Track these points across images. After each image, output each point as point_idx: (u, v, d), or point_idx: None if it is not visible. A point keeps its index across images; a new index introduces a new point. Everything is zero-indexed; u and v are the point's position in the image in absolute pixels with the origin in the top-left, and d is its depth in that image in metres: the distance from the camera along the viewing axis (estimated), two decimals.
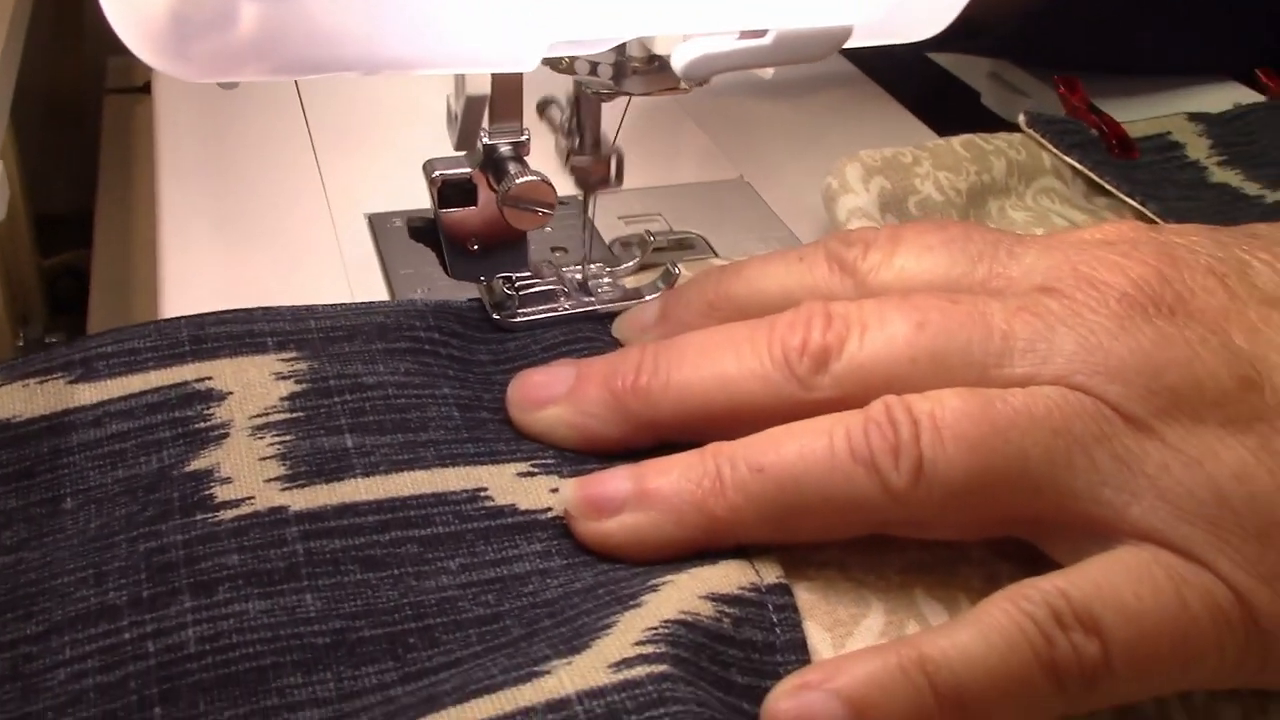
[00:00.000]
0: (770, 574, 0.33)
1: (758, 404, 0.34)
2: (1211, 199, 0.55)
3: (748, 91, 0.63)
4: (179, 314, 0.43)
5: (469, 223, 0.41)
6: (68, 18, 0.89)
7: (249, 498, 0.33)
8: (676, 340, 0.37)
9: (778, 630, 0.31)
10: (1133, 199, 0.52)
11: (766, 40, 0.35)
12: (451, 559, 0.33)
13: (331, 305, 0.40)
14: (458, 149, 0.40)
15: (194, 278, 0.46)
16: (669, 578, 0.32)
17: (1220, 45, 0.65)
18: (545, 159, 0.41)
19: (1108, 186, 0.52)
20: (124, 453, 0.35)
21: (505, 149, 0.40)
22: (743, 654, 0.31)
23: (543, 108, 0.43)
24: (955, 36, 0.63)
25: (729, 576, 0.32)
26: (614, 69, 0.39)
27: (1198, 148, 0.58)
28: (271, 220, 0.50)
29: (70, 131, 0.90)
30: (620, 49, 0.38)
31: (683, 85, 0.39)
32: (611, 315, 0.42)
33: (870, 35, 0.38)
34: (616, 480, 0.33)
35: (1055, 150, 0.53)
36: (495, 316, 0.42)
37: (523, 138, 0.40)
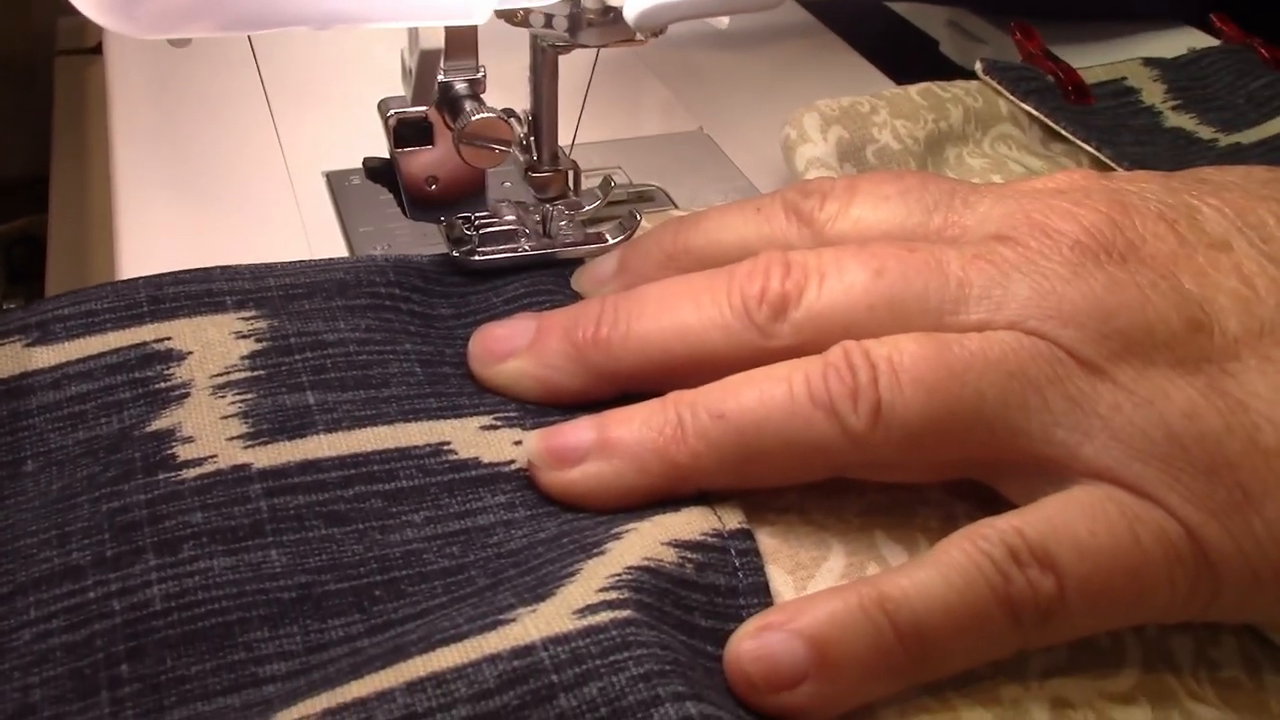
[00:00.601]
0: (732, 520, 0.33)
1: (717, 353, 0.34)
2: (1166, 144, 0.55)
3: (707, 43, 0.63)
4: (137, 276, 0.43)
5: (426, 162, 0.41)
6: None
7: (211, 456, 0.33)
8: (636, 291, 0.37)
9: (740, 574, 0.32)
10: (1088, 144, 0.52)
11: None
12: (416, 512, 0.33)
13: (291, 263, 0.40)
14: (413, 104, 0.39)
15: (151, 240, 0.45)
16: (632, 525, 0.32)
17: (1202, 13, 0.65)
18: (499, 93, 0.41)
19: (1063, 133, 0.53)
20: (84, 414, 0.34)
21: (461, 86, 0.40)
22: (705, 598, 0.31)
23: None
24: None
25: (691, 523, 0.32)
26: (569, 21, 0.39)
27: (1153, 93, 0.58)
28: (229, 180, 0.49)
29: (22, 95, 0.88)
30: (575, 0, 0.38)
31: (639, 36, 0.39)
32: (572, 260, 0.42)
33: None
34: (579, 430, 0.34)
35: (1011, 97, 0.54)
36: (455, 254, 0.42)
37: (478, 75, 0.40)
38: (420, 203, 0.42)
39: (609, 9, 0.38)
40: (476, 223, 0.42)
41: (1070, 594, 0.30)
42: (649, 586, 0.30)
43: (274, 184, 0.49)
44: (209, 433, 0.34)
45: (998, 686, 0.31)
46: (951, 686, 0.30)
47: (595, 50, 0.41)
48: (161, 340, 0.36)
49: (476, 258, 0.42)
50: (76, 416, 0.34)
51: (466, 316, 0.40)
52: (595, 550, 0.31)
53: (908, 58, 0.65)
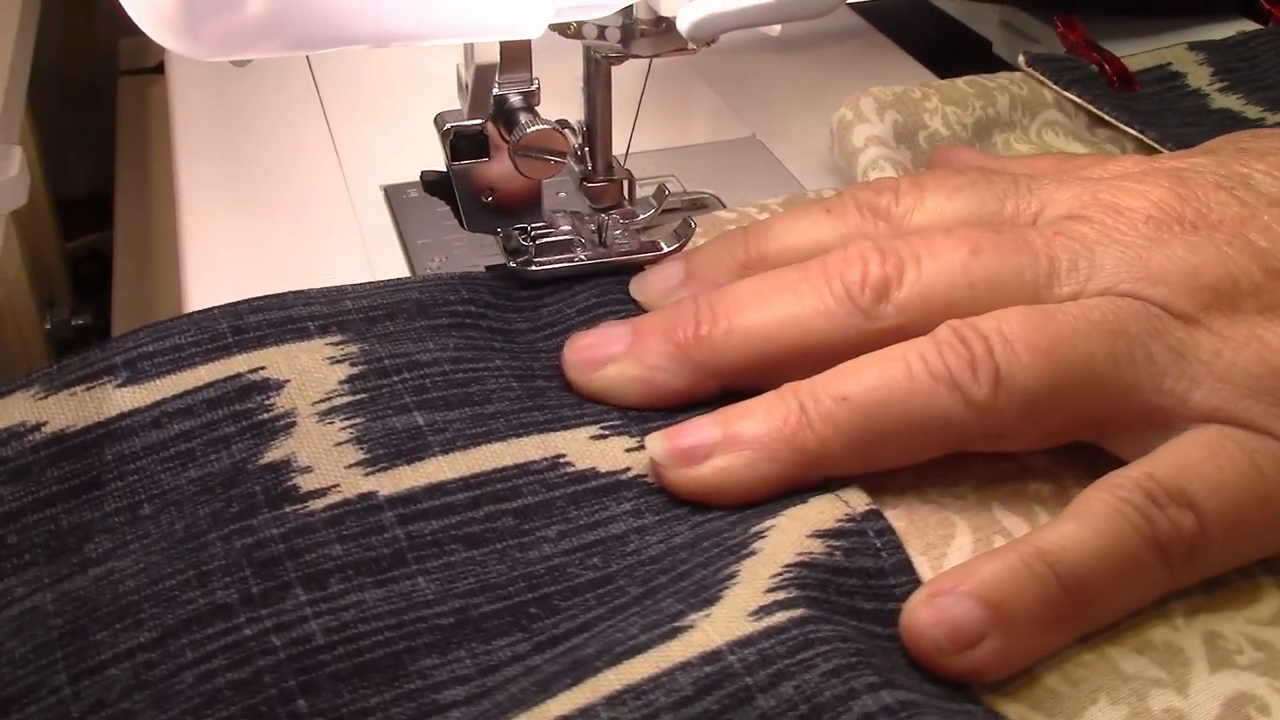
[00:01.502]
0: (860, 502, 0.34)
1: (823, 340, 0.35)
2: (1212, 125, 0.55)
3: (757, 49, 0.63)
4: (202, 291, 0.44)
5: (483, 174, 0.42)
6: (77, 2, 0.89)
7: (334, 485, 0.33)
8: (729, 288, 0.37)
9: (883, 554, 0.32)
10: (1132, 128, 0.52)
11: None
12: (548, 527, 0.33)
13: (362, 285, 0.40)
14: (469, 118, 0.40)
15: (215, 256, 0.46)
16: (769, 522, 0.32)
17: None
18: (554, 104, 0.41)
19: (1108, 118, 0.53)
20: (192, 452, 0.34)
21: (516, 99, 0.40)
22: (860, 582, 0.32)
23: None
24: None
25: (824, 512, 0.33)
26: (622, 32, 0.39)
27: (1199, 76, 0.58)
28: (289, 195, 0.50)
29: (86, 115, 0.90)
30: (627, 12, 0.38)
31: (690, 45, 0.40)
32: (629, 269, 0.43)
33: None
34: (702, 428, 0.34)
35: (1055, 87, 0.54)
36: (512, 265, 0.42)
37: (532, 87, 0.40)
38: (477, 215, 0.42)
39: (661, 19, 0.39)
40: (533, 233, 0.43)
41: (1210, 528, 0.31)
42: (811, 580, 0.30)
43: (333, 198, 0.50)
44: (326, 461, 0.33)
45: (1147, 632, 0.32)
46: (1104, 638, 0.31)
47: (648, 60, 0.41)
48: (255, 370, 0.36)
49: (533, 268, 0.42)
50: (185, 455, 0.34)
51: (543, 329, 0.41)
52: (743, 552, 0.31)
53: (960, 58, 0.65)
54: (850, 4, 0.67)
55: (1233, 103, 0.56)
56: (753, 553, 0.31)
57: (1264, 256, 0.34)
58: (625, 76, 0.43)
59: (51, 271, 0.76)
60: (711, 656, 0.28)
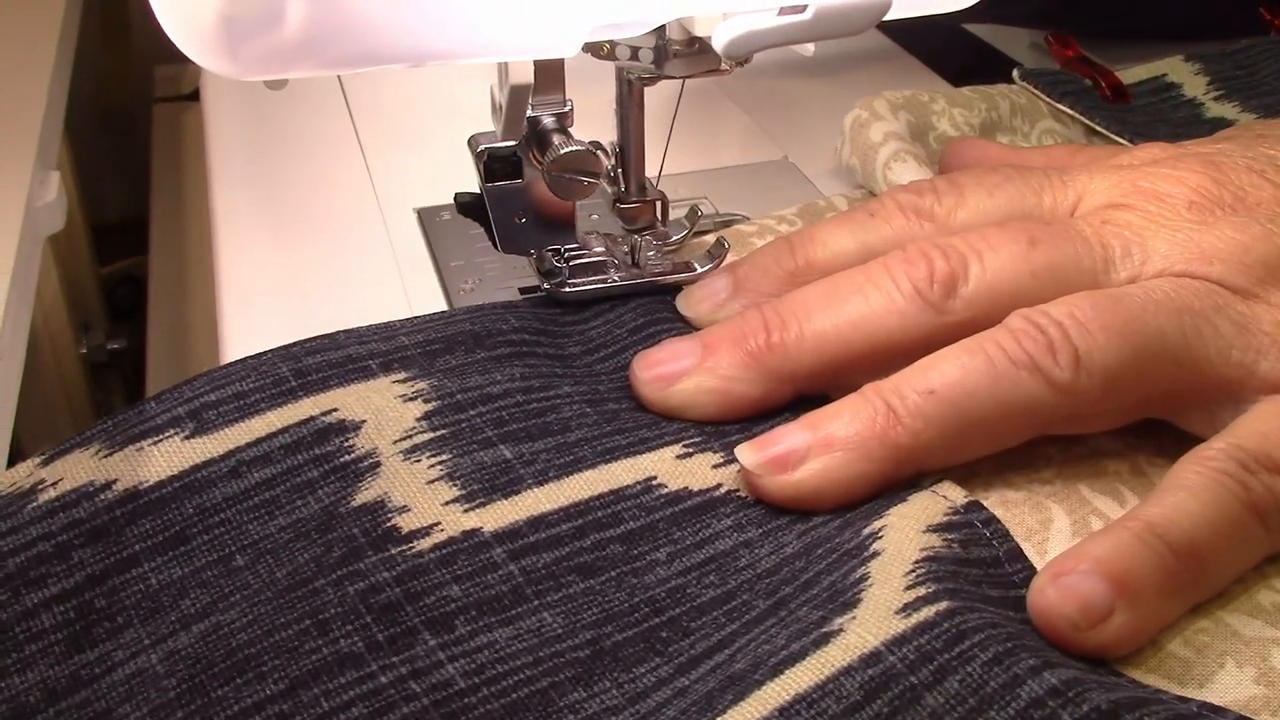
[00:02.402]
0: (958, 496, 0.34)
1: (894, 339, 0.36)
2: (1205, 133, 0.55)
3: (789, 71, 0.63)
4: (237, 314, 0.45)
5: (516, 196, 0.42)
6: (114, 29, 0.90)
7: (436, 524, 0.33)
8: (793, 295, 0.38)
9: (995, 543, 0.33)
10: (1122, 138, 0.53)
11: (807, 15, 0.35)
12: (657, 550, 0.33)
13: (411, 319, 0.40)
14: (503, 139, 0.40)
15: (250, 279, 0.46)
16: (879, 523, 0.32)
17: (1255, 10, 0.65)
18: (587, 127, 0.41)
19: (1099, 129, 0.54)
20: (277, 499, 0.33)
21: (549, 120, 0.40)
22: (982, 572, 0.32)
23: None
24: (995, 5, 0.63)
25: (928, 508, 0.33)
26: (655, 53, 0.39)
27: (1194, 86, 0.59)
28: (323, 218, 0.50)
29: (121, 141, 0.91)
30: (660, 32, 0.39)
31: (724, 65, 0.40)
32: (664, 288, 0.43)
33: (909, 6, 0.38)
34: (792, 433, 0.34)
35: (1049, 99, 0.55)
36: (546, 286, 0.42)
37: (565, 108, 0.40)
38: (511, 236, 0.42)
39: (694, 39, 0.39)
40: (566, 255, 0.43)
41: None
42: (944, 574, 0.30)
43: (367, 221, 0.50)
44: (422, 500, 0.33)
45: (1255, 596, 0.32)
46: (1217, 606, 0.32)
47: (680, 81, 0.41)
48: (328, 413, 0.35)
49: (568, 289, 0.42)
50: (270, 503, 0.33)
51: (597, 351, 0.41)
52: (865, 554, 0.31)
53: (989, 81, 0.65)
54: (881, 28, 0.67)
55: (1227, 111, 0.57)
56: (875, 554, 0.31)
57: None
58: (657, 99, 0.43)
59: (87, 296, 0.77)
60: (871, 658, 0.28)
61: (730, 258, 0.43)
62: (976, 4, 0.40)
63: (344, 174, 0.53)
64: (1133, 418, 0.36)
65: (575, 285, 0.42)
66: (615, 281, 0.43)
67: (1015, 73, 0.56)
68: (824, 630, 0.29)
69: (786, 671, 0.28)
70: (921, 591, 0.30)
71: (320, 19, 0.30)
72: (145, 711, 0.29)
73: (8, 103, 0.58)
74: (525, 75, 0.37)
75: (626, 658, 0.30)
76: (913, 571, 0.30)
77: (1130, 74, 0.58)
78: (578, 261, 0.43)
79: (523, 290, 0.44)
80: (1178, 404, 0.35)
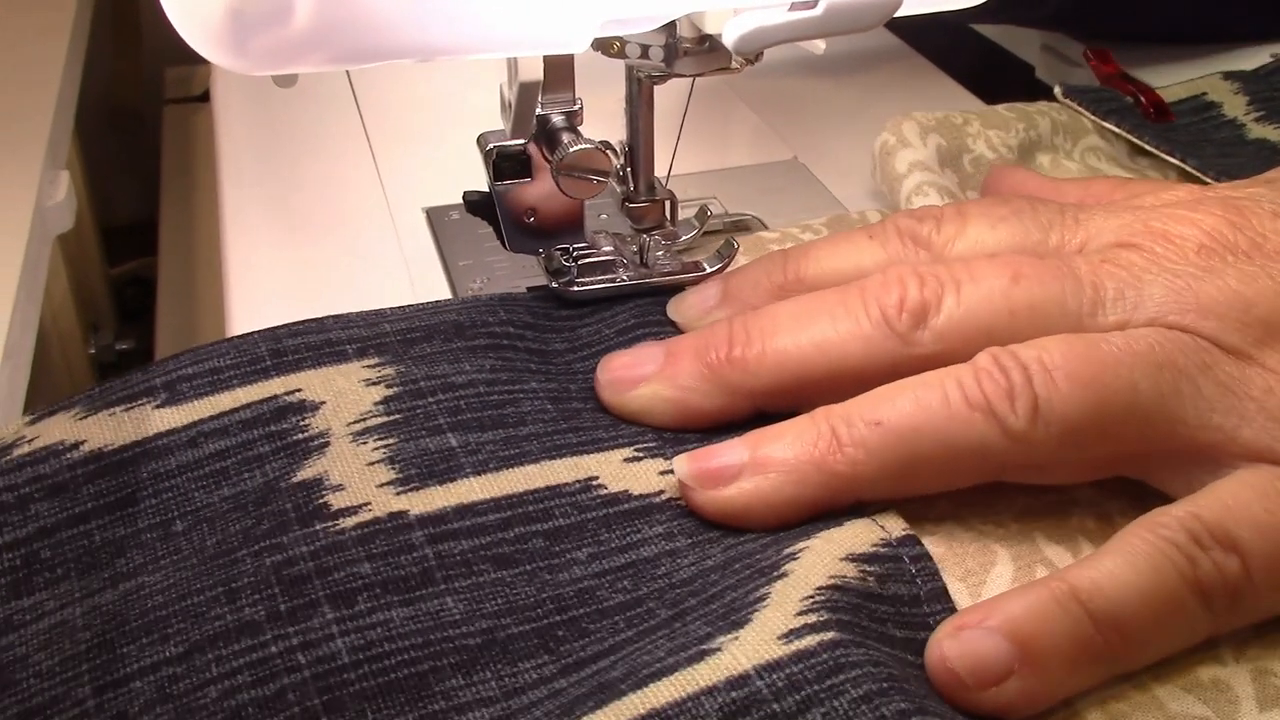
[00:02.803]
0: (896, 528, 0.33)
1: (857, 365, 0.35)
2: (1249, 155, 0.54)
3: (798, 71, 0.63)
4: (246, 315, 0.45)
5: (525, 194, 0.41)
6: (125, 32, 0.91)
7: (365, 504, 0.33)
8: (763, 311, 0.37)
9: (918, 581, 0.32)
10: (1173, 157, 0.52)
11: (818, 10, 0.35)
12: (579, 549, 0.33)
13: (401, 307, 0.40)
14: (512, 137, 0.40)
15: (259, 278, 0.46)
16: (802, 544, 0.32)
17: (1272, 11, 0.64)
18: (596, 126, 0.41)
19: (1147, 148, 0.53)
20: (226, 470, 0.34)
21: (558, 119, 0.40)
22: (893, 609, 0.31)
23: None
24: (1009, 7, 0.63)
25: (859, 535, 0.32)
26: (665, 51, 0.39)
27: (1234, 106, 0.58)
28: (332, 218, 0.50)
29: (131, 143, 0.92)
30: (670, 30, 0.38)
31: (734, 64, 0.39)
32: (672, 288, 0.42)
33: (920, 4, 0.37)
34: (730, 450, 0.34)
35: (1093, 117, 0.54)
36: (554, 285, 0.42)
37: (575, 107, 0.40)
38: (519, 235, 0.42)
39: (705, 37, 0.38)
40: (575, 254, 0.43)
41: (1256, 573, 0.30)
42: (843, 604, 0.30)
43: (376, 221, 0.50)
44: (358, 480, 0.33)
45: (1195, 669, 0.31)
46: (1150, 675, 0.30)
47: (690, 79, 0.41)
48: (292, 392, 0.36)
49: (575, 288, 0.42)
50: (219, 473, 0.34)
51: (580, 350, 0.40)
52: (774, 574, 0.31)
53: (1001, 82, 0.65)
54: (890, 27, 0.66)
55: (1270, 133, 0.56)
56: (784, 574, 0.31)
57: None
58: (666, 99, 0.43)
59: (96, 296, 0.77)
60: (738, 681, 0.27)
61: (742, 260, 0.43)
62: (987, 3, 0.40)
63: (353, 174, 0.53)
64: (1104, 474, 0.34)
65: (583, 284, 0.42)
66: (624, 281, 0.42)
67: (1057, 89, 0.55)
68: (703, 647, 0.28)
69: (651, 685, 0.27)
70: (811, 619, 0.29)
71: (328, 13, 0.30)
72: (56, 660, 0.30)
73: (18, 102, 0.58)
74: (535, 72, 0.37)
75: (515, 651, 0.30)
76: (811, 598, 0.30)
77: (1169, 92, 0.58)
78: (586, 260, 0.43)
79: (531, 289, 0.44)
80: (1151, 465, 0.33)
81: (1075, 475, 0.34)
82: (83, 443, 0.35)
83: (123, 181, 0.90)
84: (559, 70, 0.39)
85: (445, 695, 0.29)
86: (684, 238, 0.45)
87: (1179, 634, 0.30)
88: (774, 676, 0.27)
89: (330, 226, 0.50)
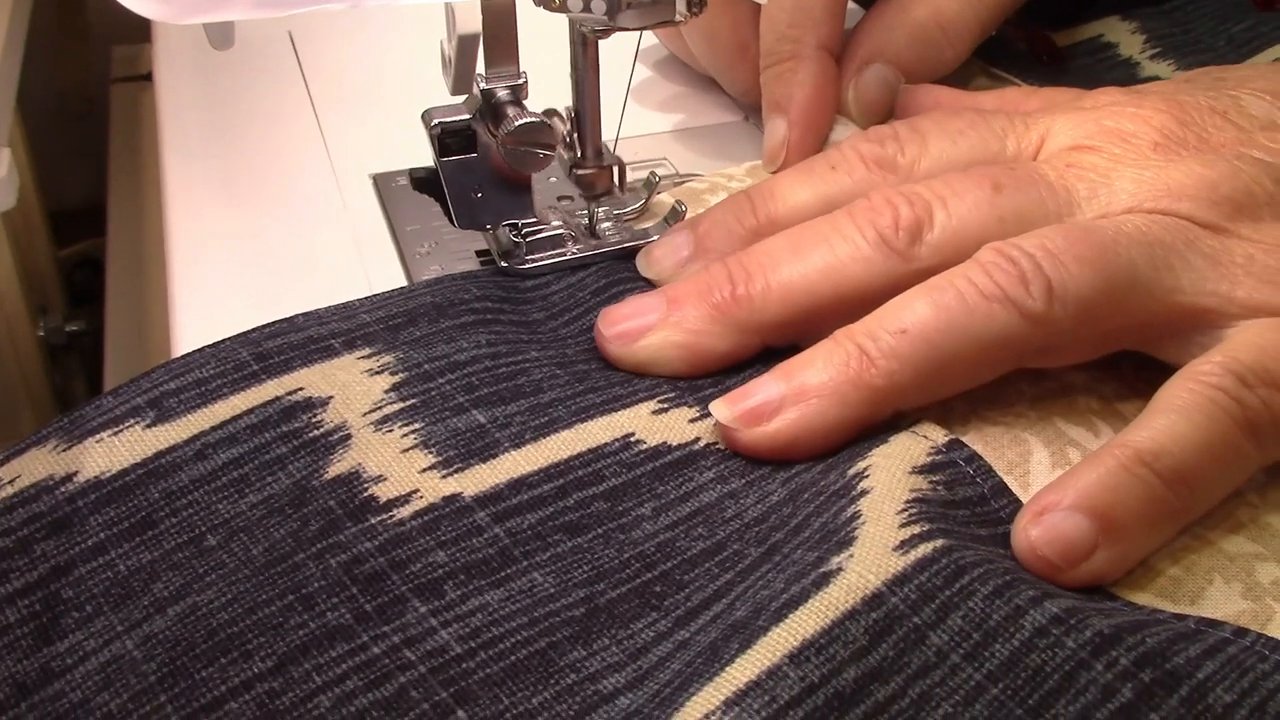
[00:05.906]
0: (939, 436, 0.34)
1: (861, 287, 0.35)
2: None
3: None
4: (192, 293, 0.44)
5: (471, 170, 0.41)
6: (70, 9, 0.89)
7: (414, 491, 0.32)
8: (757, 247, 0.37)
9: (979, 480, 0.33)
10: None
11: None
12: (641, 505, 0.33)
13: (370, 297, 0.40)
14: (454, 93, 0.39)
15: (203, 248, 0.46)
16: (863, 464, 0.32)
17: None
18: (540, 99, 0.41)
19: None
20: (246, 477, 0.33)
21: (503, 93, 0.40)
22: (969, 511, 0.32)
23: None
24: None
25: (910, 449, 0.33)
26: (607, 4, 0.39)
27: (1131, 45, 0.58)
28: (278, 187, 0.50)
29: (79, 124, 0.90)
30: None
31: (679, 16, 0.39)
32: (622, 257, 0.42)
33: None
34: (766, 386, 0.34)
35: (981, 60, 0.54)
36: (504, 264, 0.41)
37: (520, 81, 0.40)
38: (467, 210, 0.42)
39: None
40: (523, 229, 0.42)
41: None
42: (933, 514, 0.30)
43: (322, 189, 0.49)
44: (397, 469, 0.33)
45: (1233, 513, 0.33)
46: (1199, 524, 0.32)
47: (637, 36, 0.40)
48: (293, 392, 0.35)
49: (525, 265, 0.42)
50: (239, 481, 0.33)
51: (561, 316, 0.40)
52: (853, 493, 0.31)
53: None
54: None
55: (1162, 69, 0.56)
56: (864, 492, 0.31)
57: (1271, 169, 0.35)
58: (615, 60, 0.42)
59: (44, 278, 0.76)
60: (874, 600, 0.28)
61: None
62: None
63: (298, 141, 0.52)
64: (1107, 349, 0.36)
65: (533, 260, 0.42)
66: (573, 254, 0.42)
67: None
68: (822, 570, 0.28)
69: (790, 616, 0.27)
70: (916, 530, 0.29)
71: None
72: (126, 698, 0.28)
73: None
74: (474, 24, 0.36)
75: (622, 614, 0.30)
76: (904, 510, 0.30)
77: (1066, 36, 0.58)
78: (535, 237, 0.42)
79: (479, 253, 0.43)
80: (1152, 334, 0.35)
81: (1085, 353, 0.35)
82: (75, 474, 0.33)
83: (71, 163, 0.89)
84: (501, 41, 0.39)
85: (574, 668, 0.28)
86: (631, 208, 0.45)
87: (1236, 474, 0.32)
88: (906, 589, 0.28)
89: (277, 196, 0.49)
